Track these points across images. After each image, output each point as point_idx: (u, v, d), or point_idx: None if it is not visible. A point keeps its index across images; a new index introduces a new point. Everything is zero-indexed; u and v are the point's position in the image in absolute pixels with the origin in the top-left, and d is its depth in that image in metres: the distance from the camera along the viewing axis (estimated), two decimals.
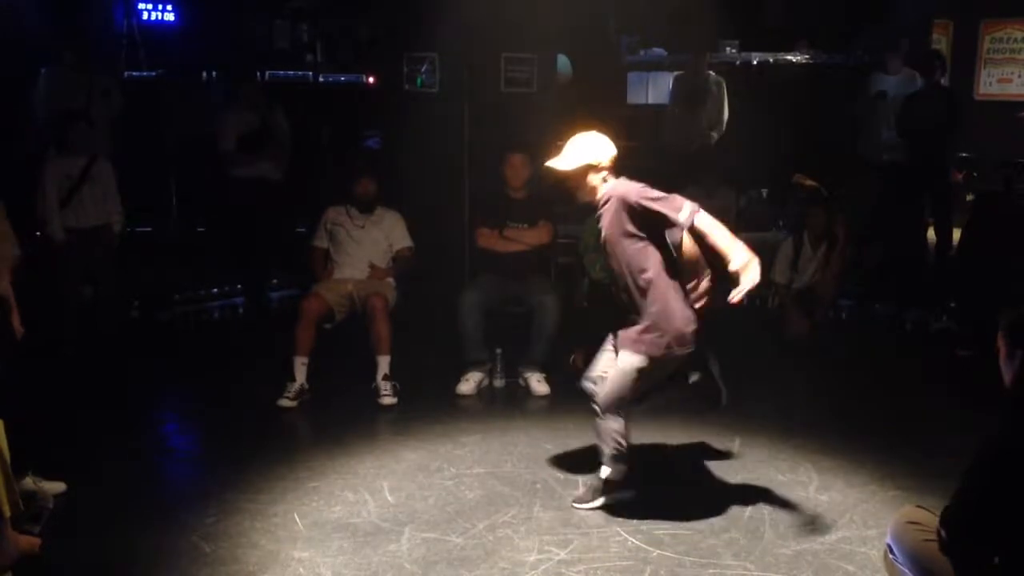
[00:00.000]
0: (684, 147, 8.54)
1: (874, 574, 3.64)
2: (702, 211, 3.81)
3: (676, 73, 9.15)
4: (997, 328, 2.90)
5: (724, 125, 8.66)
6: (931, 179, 8.19)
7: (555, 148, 4.13)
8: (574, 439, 5.09)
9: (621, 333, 4.05)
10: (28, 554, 2.84)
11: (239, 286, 7.94)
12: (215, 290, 8.02)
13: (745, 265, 3.71)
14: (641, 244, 3.92)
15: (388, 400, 5.62)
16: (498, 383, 6.00)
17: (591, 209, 6.22)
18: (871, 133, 8.50)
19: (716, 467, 4.73)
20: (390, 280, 6.11)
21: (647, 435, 4.99)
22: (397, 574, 3.68)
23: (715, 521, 4.10)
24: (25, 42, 7.78)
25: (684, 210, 3.80)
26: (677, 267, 4.01)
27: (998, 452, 2.70)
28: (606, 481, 4.22)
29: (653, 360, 3.95)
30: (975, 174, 9.54)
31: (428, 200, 6.80)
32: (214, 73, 8.98)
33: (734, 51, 9.99)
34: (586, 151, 4.03)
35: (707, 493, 4.39)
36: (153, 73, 9.12)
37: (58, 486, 4.15)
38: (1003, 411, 2.77)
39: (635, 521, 4.12)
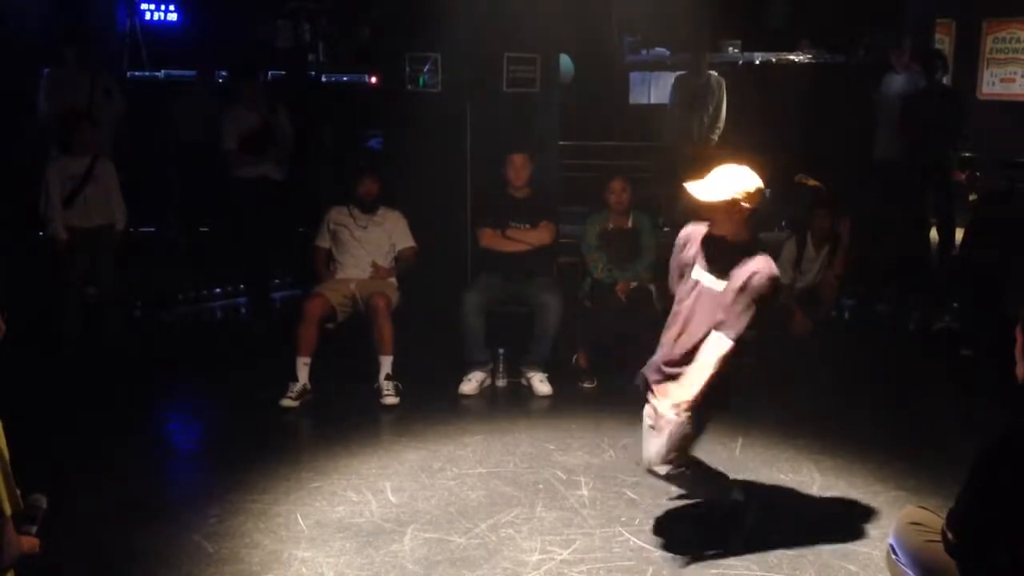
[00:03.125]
0: (685, 147, 8.53)
1: (877, 574, 3.64)
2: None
3: (678, 73, 9.15)
4: (999, 328, 2.89)
5: (723, 125, 8.66)
6: (934, 179, 8.18)
7: (701, 175, 3.86)
8: (576, 439, 5.09)
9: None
10: (29, 554, 2.84)
11: (242, 286, 7.94)
12: (218, 290, 8.03)
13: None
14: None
15: (390, 400, 5.62)
16: (500, 383, 6.00)
17: (593, 209, 6.30)
18: (888, 134, 8.47)
19: (718, 467, 4.72)
20: (392, 280, 6.11)
21: None
22: (400, 574, 3.68)
23: (717, 521, 4.09)
24: (27, 42, 7.79)
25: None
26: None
27: (1005, 450, 2.68)
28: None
29: None
30: (978, 174, 9.52)
31: (430, 200, 6.79)
32: (216, 73, 8.99)
33: (736, 51, 10.00)
34: (733, 185, 3.71)
35: None
36: (156, 73, 9.12)
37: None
38: (1014, 405, 2.74)
39: (637, 521, 4.12)
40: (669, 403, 3.69)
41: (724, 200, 3.69)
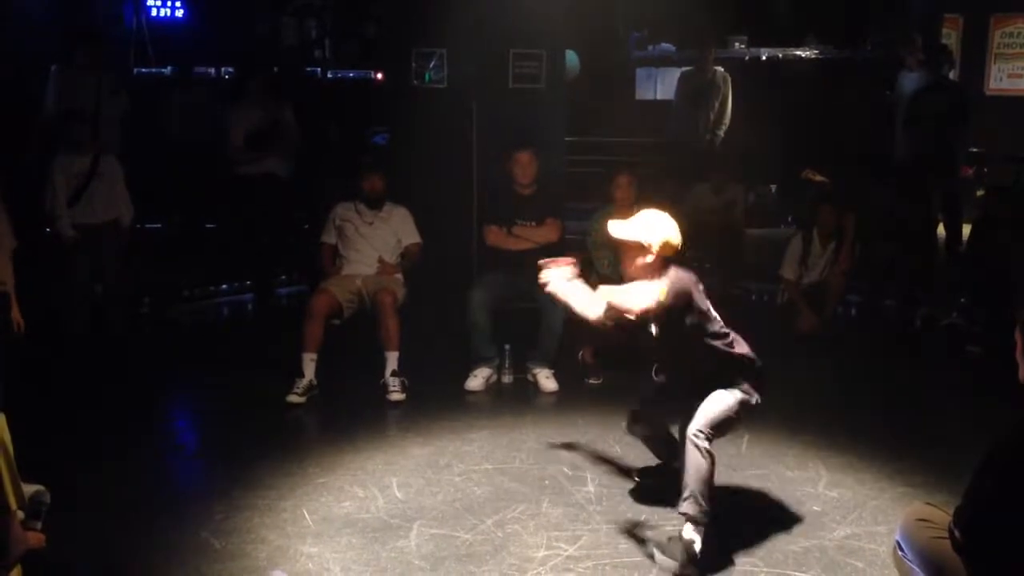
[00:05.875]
0: (691, 143, 8.53)
1: (883, 571, 3.63)
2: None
3: (683, 69, 9.14)
4: (1005, 324, 2.88)
5: (728, 121, 8.66)
6: (941, 174, 8.16)
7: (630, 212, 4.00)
8: (582, 435, 5.09)
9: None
10: (35, 549, 2.86)
11: (248, 283, 7.95)
12: (224, 287, 8.05)
13: None
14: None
15: (396, 396, 5.63)
16: (506, 379, 6.00)
17: (599, 204, 6.30)
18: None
19: (724, 463, 4.69)
20: (399, 276, 6.11)
21: None
22: (406, 570, 3.68)
23: (723, 517, 4.09)
24: (33, 40, 7.79)
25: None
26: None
27: (1013, 448, 2.67)
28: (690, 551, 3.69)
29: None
30: (985, 169, 9.50)
31: (436, 196, 6.80)
32: (223, 70, 9.00)
33: (743, 47, 9.98)
34: (644, 228, 3.80)
35: (715, 490, 4.38)
36: (162, 70, 9.13)
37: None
38: (1020, 405, 2.73)
39: (643, 517, 4.11)
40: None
41: (632, 242, 3.79)
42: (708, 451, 3.69)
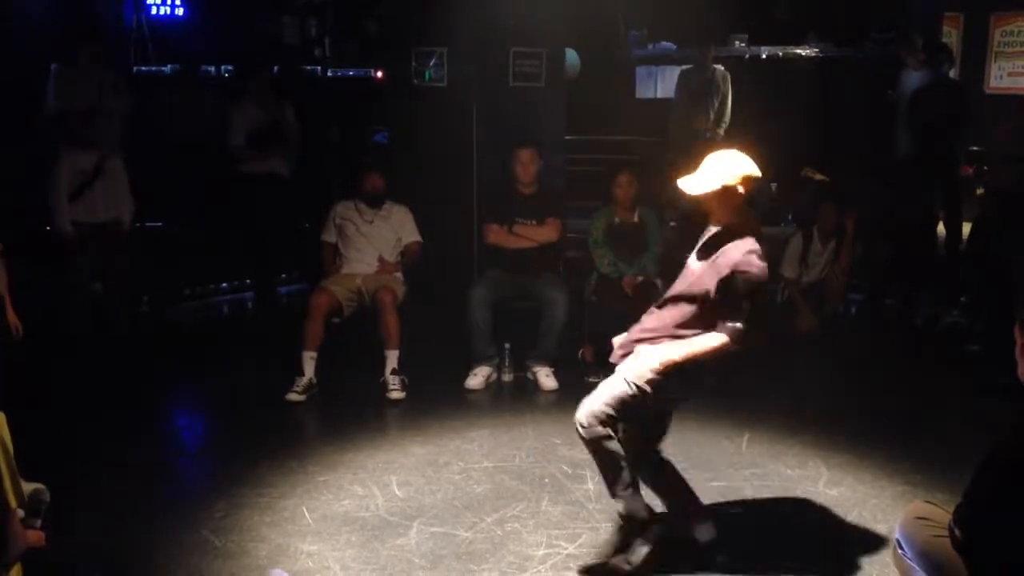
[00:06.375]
0: (691, 141, 8.51)
1: (883, 569, 3.64)
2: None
3: (683, 67, 9.14)
4: (1005, 323, 2.88)
5: (728, 119, 8.65)
6: (941, 173, 8.15)
7: (691, 167, 3.69)
8: None
9: None
10: (35, 547, 2.86)
11: (248, 281, 7.95)
12: (224, 285, 8.04)
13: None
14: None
15: (396, 394, 5.63)
16: (506, 378, 6.01)
17: (599, 204, 6.29)
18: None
19: (725, 462, 4.73)
20: (399, 274, 6.12)
21: None
22: (405, 568, 3.68)
23: (724, 516, 4.10)
24: (34, 38, 7.78)
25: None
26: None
27: (1013, 447, 2.67)
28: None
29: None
30: (985, 168, 9.49)
31: (436, 195, 6.80)
32: (223, 68, 9.00)
33: (743, 45, 9.97)
34: (722, 172, 3.55)
35: (716, 488, 4.39)
36: (162, 68, 9.12)
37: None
38: (1019, 404, 2.73)
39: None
40: (638, 361, 3.54)
41: (715, 190, 3.55)
42: (597, 438, 3.55)
